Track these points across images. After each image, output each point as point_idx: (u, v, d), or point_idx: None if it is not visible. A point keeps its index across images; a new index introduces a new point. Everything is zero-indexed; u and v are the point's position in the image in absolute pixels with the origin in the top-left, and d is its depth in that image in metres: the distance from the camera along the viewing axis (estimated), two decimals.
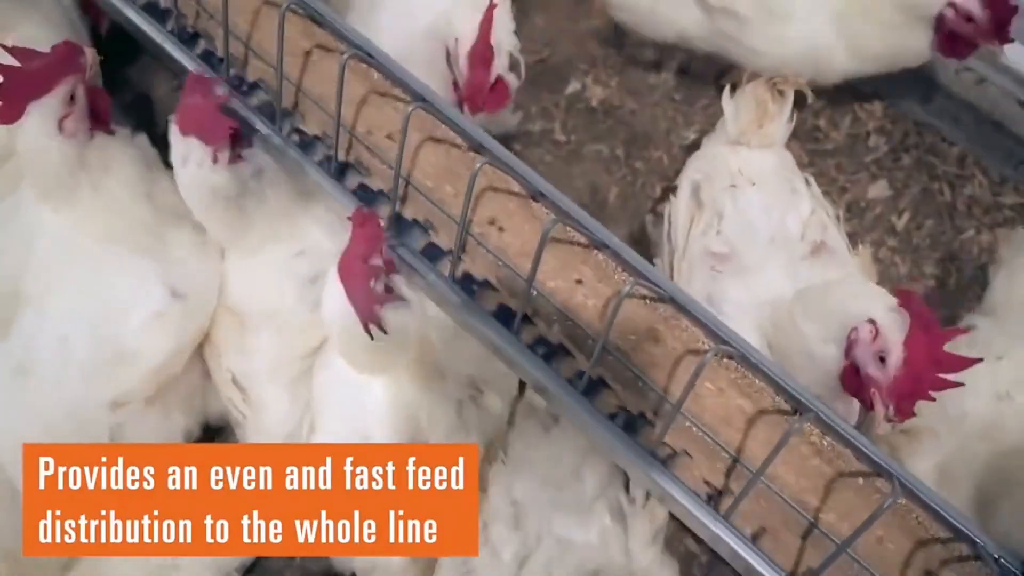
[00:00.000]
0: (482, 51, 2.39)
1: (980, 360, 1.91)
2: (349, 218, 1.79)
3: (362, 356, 1.92)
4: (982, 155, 3.58)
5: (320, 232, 2.38)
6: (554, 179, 3.45)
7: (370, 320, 1.75)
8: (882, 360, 1.94)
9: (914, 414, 1.94)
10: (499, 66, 2.46)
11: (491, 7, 2.39)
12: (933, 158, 3.59)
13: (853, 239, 3.33)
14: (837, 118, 3.65)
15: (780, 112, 2.73)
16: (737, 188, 2.51)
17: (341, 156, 2.21)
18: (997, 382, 2.35)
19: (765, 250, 2.37)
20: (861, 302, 2.06)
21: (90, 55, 2.32)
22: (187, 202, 2.28)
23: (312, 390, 2.25)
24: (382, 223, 1.80)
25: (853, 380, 2.04)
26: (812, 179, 2.63)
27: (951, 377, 1.89)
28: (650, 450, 1.93)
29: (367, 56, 2.18)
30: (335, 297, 1.78)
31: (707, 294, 2.34)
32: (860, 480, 1.89)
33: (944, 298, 3.33)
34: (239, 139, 2.22)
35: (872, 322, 1.97)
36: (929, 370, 1.88)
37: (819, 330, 2.11)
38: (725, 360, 1.97)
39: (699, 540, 2.77)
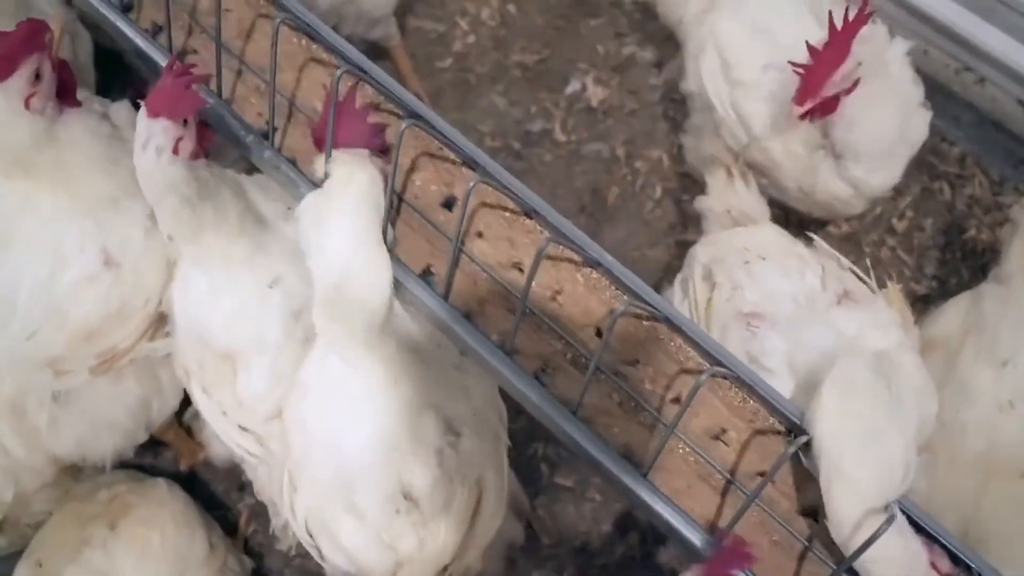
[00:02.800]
0: None
1: None
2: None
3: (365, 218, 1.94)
4: (982, 155, 3.59)
5: (289, 263, 2.37)
6: (554, 179, 3.52)
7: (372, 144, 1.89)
8: None
9: None
10: None
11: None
12: (933, 158, 3.59)
13: (855, 240, 3.36)
14: None
15: (747, 191, 2.74)
16: (750, 263, 2.50)
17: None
18: (1000, 391, 2.32)
19: (793, 309, 2.36)
20: None
21: (56, 27, 2.31)
22: (142, 188, 2.21)
23: (290, 460, 2.18)
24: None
25: None
26: (816, 236, 2.59)
27: None
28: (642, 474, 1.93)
29: (360, 72, 2.17)
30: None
31: (745, 352, 2.30)
32: None
33: (946, 297, 3.33)
34: (208, 137, 2.23)
35: None
36: None
37: None
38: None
39: None
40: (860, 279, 2.43)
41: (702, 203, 2.83)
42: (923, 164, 3.57)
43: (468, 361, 2.22)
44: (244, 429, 2.36)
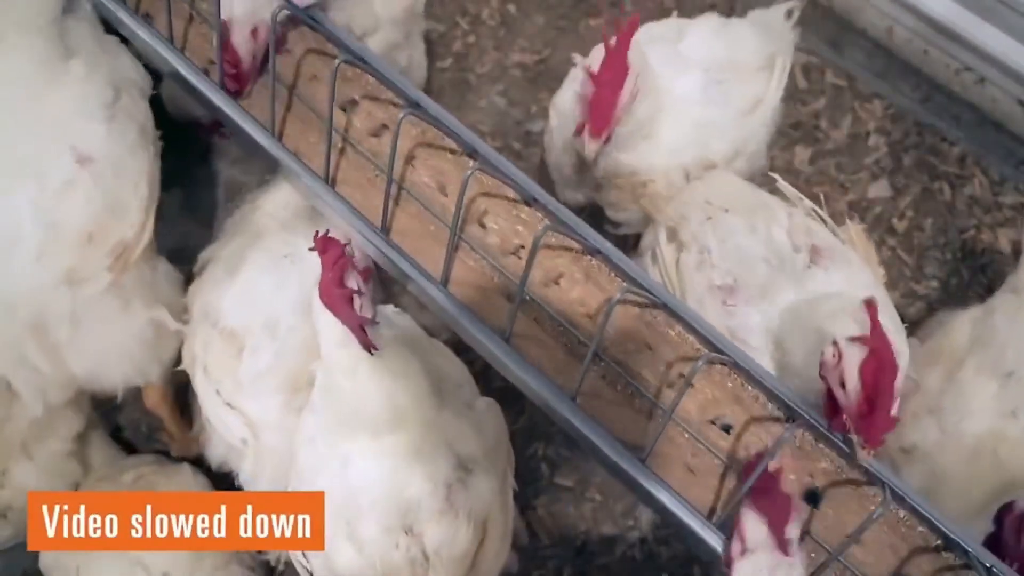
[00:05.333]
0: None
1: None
2: (311, 248, 1.73)
3: (372, 379, 1.83)
4: (982, 155, 3.58)
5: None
6: None
7: (364, 341, 1.71)
8: (843, 386, 1.82)
9: (882, 443, 1.80)
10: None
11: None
12: (933, 158, 3.59)
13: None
14: (837, 118, 3.66)
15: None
16: (713, 219, 2.45)
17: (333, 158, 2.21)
18: (1004, 401, 2.30)
19: (766, 272, 2.31)
20: (832, 322, 1.96)
21: None
22: None
23: (294, 473, 2.15)
24: (343, 242, 1.75)
25: (831, 402, 1.90)
26: (778, 177, 2.56)
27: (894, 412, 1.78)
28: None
29: (360, 61, 2.18)
30: (331, 324, 1.72)
31: (727, 329, 2.23)
32: (851, 488, 1.89)
33: (946, 297, 3.33)
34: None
35: (836, 344, 1.85)
36: (879, 396, 1.75)
37: (803, 349, 2.07)
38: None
39: None
40: (823, 219, 2.42)
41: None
42: (923, 164, 3.57)
43: (483, 400, 2.21)
44: (231, 407, 2.37)
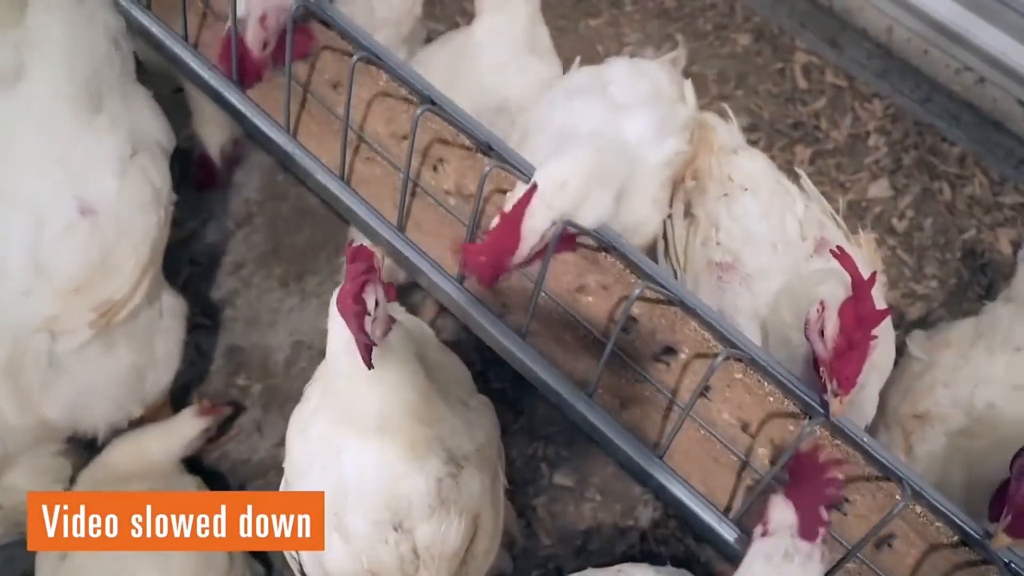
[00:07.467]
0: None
1: (890, 310, 1.84)
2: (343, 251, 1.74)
3: (370, 388, 1.82)
4: (982, 155, 3.59)
5: None
6: None
7: (365, 359, 1.68)
8: (823, 334, 1.84)
9: (854, 384, 1.79)
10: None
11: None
12: (933, 158, 3.60)
13: (854, 228, 3.37)
14: (838, 118, 3.66)
15: (728, 130, 2.70)
16: (730, 196, 2.47)
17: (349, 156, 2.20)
18: (1014, 373, 2.35)
19: (769, 256, 2.35)
20: (823, 285, 1.98)
21: None
22: None
23: (290, 460, 2.14)
24: (377, 255, 1.75)
25: (814, 369, 1.91)
26: (803, 173, 2.61)
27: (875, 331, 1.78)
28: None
29: (375, 57, 2.17)
30: (339, 329, 1.73)
31: (716, 307, 2.25)
32: (869, 482, 1.89)
33: (946, 297, 3.34)
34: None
35: (822, 302, 1.88)
36: (857, 328, 1.77)
37: (793, 317, 2.09)
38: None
39: (700, 539, 2.79)
40: (837, 222, 2.45)
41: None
42: (923, 164, 3.58)
43: (478, 398, 2.21)
44: None
